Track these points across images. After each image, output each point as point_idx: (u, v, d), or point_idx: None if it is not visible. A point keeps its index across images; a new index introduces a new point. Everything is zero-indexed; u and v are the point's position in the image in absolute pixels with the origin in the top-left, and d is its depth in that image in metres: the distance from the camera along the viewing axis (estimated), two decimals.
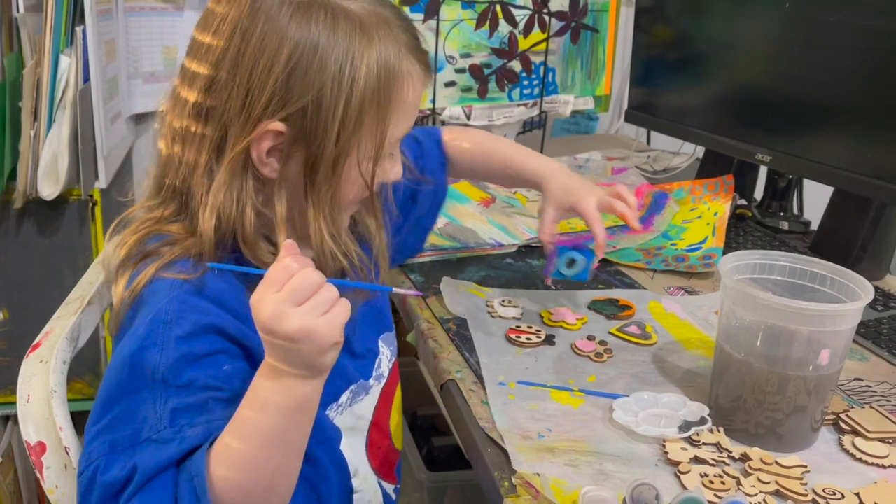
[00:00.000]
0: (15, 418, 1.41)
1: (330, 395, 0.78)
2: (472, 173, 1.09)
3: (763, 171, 1.44)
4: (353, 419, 0.81)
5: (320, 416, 0.74)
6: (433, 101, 1.46)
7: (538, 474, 0.70)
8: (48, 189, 1.26)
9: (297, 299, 0.57)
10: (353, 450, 0.81)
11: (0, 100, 1.22)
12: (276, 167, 0.68)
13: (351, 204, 0.74)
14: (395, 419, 0.91)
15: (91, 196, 1.33)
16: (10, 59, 1.24)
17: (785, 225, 1.36)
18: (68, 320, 0.76)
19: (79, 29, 1.25)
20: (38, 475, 0.67)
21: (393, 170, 0.76)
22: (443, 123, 1.49)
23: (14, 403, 0.71)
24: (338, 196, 0.70)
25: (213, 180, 0.67)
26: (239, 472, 0.60)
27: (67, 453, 0.67)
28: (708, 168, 1.49)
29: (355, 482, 0.80)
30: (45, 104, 1.23)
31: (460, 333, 0.96)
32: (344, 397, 0.80)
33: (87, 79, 1.28)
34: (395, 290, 0.66)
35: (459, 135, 1.05)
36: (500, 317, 0.99)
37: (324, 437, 0.75)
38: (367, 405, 0.83)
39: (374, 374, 0.85)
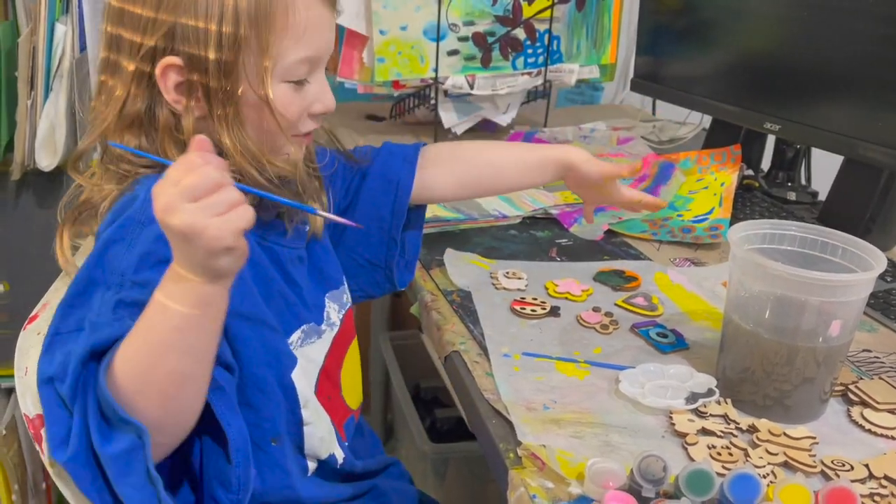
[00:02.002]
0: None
1: (283, 331, 0.78)
2: (463, 171, 0.99)
3: (770, 142, 1.42)
4: (305, 361, 0.80)
5: (277, 341, 0.74)
6: (436, 69, 1.43)
7: (544, 446, 0.69)
8: (46, 160, 1.24)
9: (191, 195, 0.55)
10: (306, 383, 0.80)
11: None
12: (184, 101, 0.70)
13: (268, 134, 0.73)
14: (351, 379, 0.90)
15: (90, 167, 1.31)
16: (4, 27, 1.22)
17: (792, 195, 1.35)
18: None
19: None
20: (38, 448, 0.67)
21: (319, 98, 0.75)
22: (445, 93, 1.46)
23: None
24: (241, 118, 0.70)
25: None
26: (133, 369, 0.59)
27: None
28: (715, 138, 1.47)
29: (305, 413, 0.78)
30: (41, 74, 1.21)
31: (464, 305, 0.95)
32: (295, 336, 0.80)
33: (83, 47, 1.26)
34: (319, 211, 0.65)
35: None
36: (505, 288, 0.98)
37: (275, 362, 0.74)
38: (318, 349, 0.83)
39: (324, 321, 0.85)
